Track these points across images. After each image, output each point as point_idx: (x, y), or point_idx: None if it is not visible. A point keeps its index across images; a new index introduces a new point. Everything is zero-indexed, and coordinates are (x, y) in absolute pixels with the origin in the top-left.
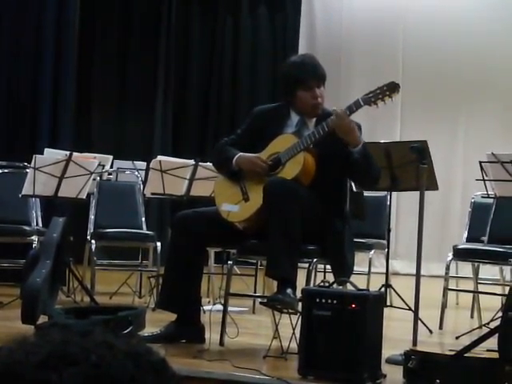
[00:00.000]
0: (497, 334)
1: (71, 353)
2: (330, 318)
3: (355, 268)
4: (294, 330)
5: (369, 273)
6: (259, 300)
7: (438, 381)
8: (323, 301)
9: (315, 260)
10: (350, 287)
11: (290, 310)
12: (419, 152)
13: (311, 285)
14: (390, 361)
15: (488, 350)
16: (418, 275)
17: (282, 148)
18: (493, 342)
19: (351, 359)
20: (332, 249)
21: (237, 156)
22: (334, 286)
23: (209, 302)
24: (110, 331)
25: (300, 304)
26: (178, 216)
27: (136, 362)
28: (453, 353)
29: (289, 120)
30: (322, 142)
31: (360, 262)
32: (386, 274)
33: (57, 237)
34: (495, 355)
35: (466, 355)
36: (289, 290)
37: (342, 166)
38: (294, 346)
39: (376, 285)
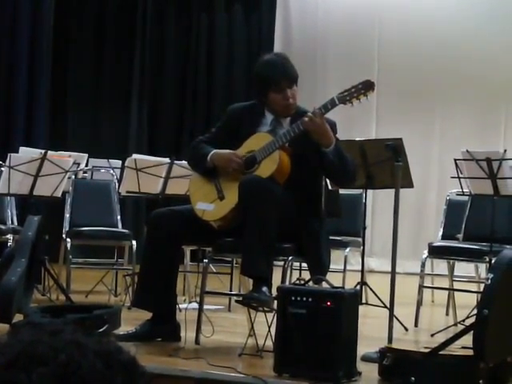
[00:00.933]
0: (472, 332)
1: (40, 352)
2: (306, 315)
3: (331, 266)
4: (269, 327)
5: (344, 270)
6: (235, 298)
7: (412, 378)
8: (298, 299)
9: (291, 258)
10: (325, 285)
11: (266, 308)
12: (394, 150)
13: (287, 283)
14: (365, 358)
15: (463, 348)
16: (393, 273)
17: (257, 146)
18: (468, 340)
19: (327, 357)
20: (308, 247)
21: (212, 153)
22: (310, 283)
23: (184, 300)
24: (81, 330)
25: (275, 302)
26: (153, 214)
27: (106, 361)
28: (428, 350)
29: (263, 118)
30: (296, 140)
31: (336, 259)
32: (362, 271)
33: (32, 235)
34: (470, 352)
35: (440, 353)
36: (264, 288)
37: (317, 165)
38: (269, 343)
39: (351, 283)
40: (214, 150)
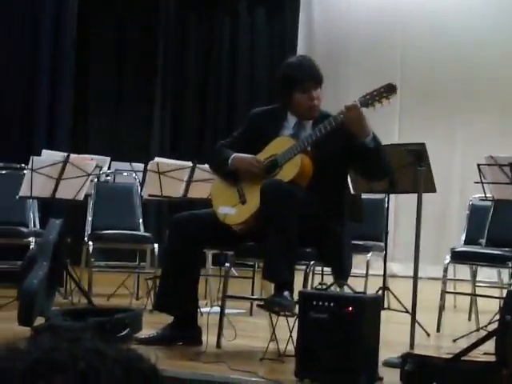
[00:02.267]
0: (494, 338)
1: (59, 360)
2: (327, 320)
3: (353, 270)
4: (291, 332)
5: (366, 275)
6: (256, 303)
7: None
8: (320, 303)
9: (312, 262)
10: (347, 290)
11: (287, 313)
12: (417, 155)
13: (308, 287)
14: (387, 364)
15: (485, 354)
16: (415, 278)
17: (279, 150)
18: (490, 346)
19: (348, 362)
20: (330, 251)
21: (232, 156)
22: (332, 288)
23: (206, 304)
24: (100, 337)
25: (297, 307)
26: (175, 218)
27: (125, 369)
28: (450, 356)
29: (286, 122)
30: (319, 143)
31: (358, 264)
32: (384, 276)
33: (54, 238)
34: (492, 358)
35: (462, 359)
36: (286, 293)
37: (351, 161)
38: (291, 348)
39: (374, 287)
40: (235, 154)
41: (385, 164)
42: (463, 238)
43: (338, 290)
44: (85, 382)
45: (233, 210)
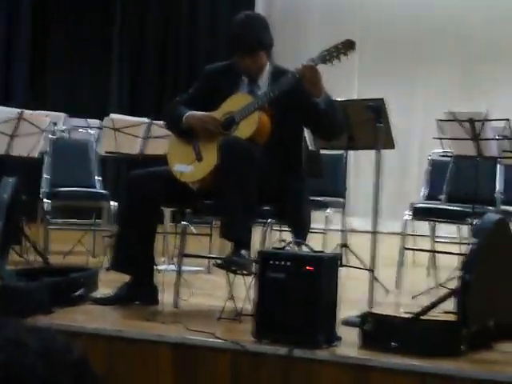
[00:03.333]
0: (453, 296)
1: None
2: (285, 280)
3: (312, 226)
4: (247, 291)
5: (326, 231)
6: (214, 261)
7: (393, 343)
8: (277, 263)
9: (270, 221)
10: (305, 249)
11: (245, 272)
12: (376, 111)
13: (266, 245)
14: (346, 322)
15: (445, 312)
16: (373, 237)
17: (236, 107)
18: (449, 304)
19: (306, 322)
20: (289, 209)
21: (187, 114)
22: (290, 247)
23: (164, 261)
24: (25, 326)
25: (255, 265)
26: (130, 176)
27: (49, 363)
28: (409, 315)
29: (241, 79)
30: (277, 100)
31: (317, 219)
32: (343, 233)
33: (7, 198)
34: (452, 317)
35: (422, 318)
36: (243, 252)
37: (306, 119)
38: (248, 307)
39: (333, 243)
40: (189, 112)
41: (336, 126)
42: (422, 193)
43: (296, 248)
44: (3, 376)
45: (189, 168)
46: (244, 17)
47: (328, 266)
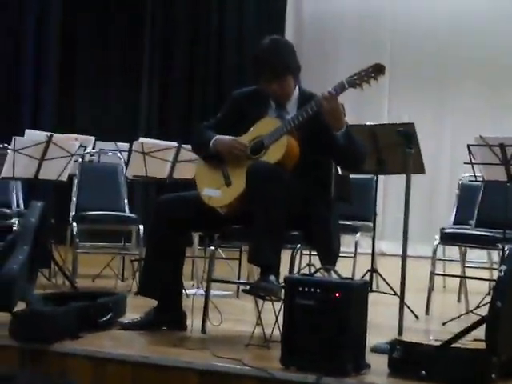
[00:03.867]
0: (484, 324)
1: None
2: (313, 307)
3: (341, 250)
4: (276, 317)
5: (355, 255)
6: (242, 287)
7: (423, 372)
8: (306, 290)
9: (299, 246)
10: (334, 275)
11: (273, 298)
12: (406, 136)
13: (295, 271)
14: (375, 350)
15: (475, 340)
16: (403, 263)
17: (265, 131)
18: (480, 331)
19: (335, 350)
20: (317, 234)
21: (214, 139)
22: (318, 273)
23: (193, 285)
24: (38, 376)
25: (283, 291)
26: (159, 201)
27: None
28: (439, 343)
29: (268, 103)
30: (305, 124)
31: (346, 243)
32: (372, 258)
33: (35, 222)
34: (482, 345)
35: (452, 345)
36: (272, 277)
37: (326, 149)
38: (277, 333)
39: (362, 267)
40: (217, 136)
41: (353, 160)
42: (453, 217)
43: (325, 275)
44: None
45: (217, 192)
46: (270, 41)
47: (357, 294)
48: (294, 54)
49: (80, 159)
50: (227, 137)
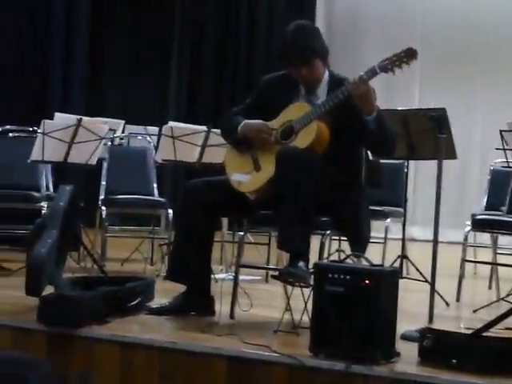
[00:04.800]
0: None
1: None
2: (343, 294)
3: (371, 235)
4: (305, 303)
5: (385, 241)
6: (271, 273)
7: (454, 361)
8: (335, 276)
9: (328, 232)
10: (364, 262)
11: (302, 284)
12: (438, 121)
13: (324, 258)
14: (405, 337)
15: (507, 328)
16: (434, 248)
17: (295, 116)
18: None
19: (364, 337)
20: (348, 220)
21: (242, 124)
22: (348, 260)
23: (221, 270)
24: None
25: (312, 277)
26: (187, 185)
27: None
28: (470, 331)
29: (298, 88)
30: (336, 109)
31: (376, 229)
32: (403, 244)
33: (64, 205)
34: None
35: (483, 334)
36: (301, 263)
37: (357, 134)
38: (306, 320)
39: (392, 252)
40: (245, 121)
41: (386, 144)
42: (484, 203)
43: (355, 261)
44: None
45: (247, 177)
46: (295, 27)
47: (387, 281)
48: (320, 37)
49: (109, 143)
50: (255, 121)
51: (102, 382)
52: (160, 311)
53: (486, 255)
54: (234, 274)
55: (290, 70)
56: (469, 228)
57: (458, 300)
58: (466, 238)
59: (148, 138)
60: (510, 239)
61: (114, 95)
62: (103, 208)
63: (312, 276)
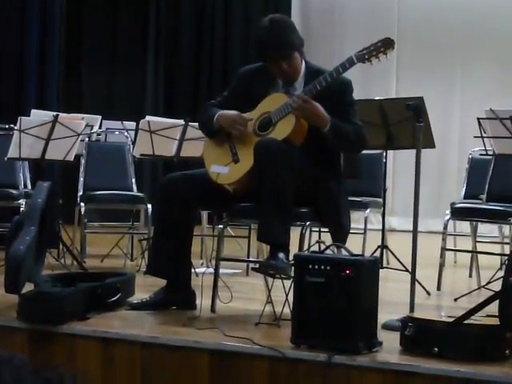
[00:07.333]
0: (496, 300)
1: None
2: (324, 284)
3: (351, 226)
4: (287, 295)
5: (365, 231)
6: (251, 265)
7: (436, 349)
8: (316, 267)
9: (308, 223)
10: (344, 252)
11: (283, 276)
12: (415, 110)
13: (305, 248)
14: (386, 327)
15: (488, 316)
16: (414, 238)
17: (273, 107)
18: (492, 307)
19: (346, 328)
20: (327, 211)
21: (218, 114)
22: (328, 250)
23: (202, 264)
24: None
25: (293, 269)
26: (166, 179)
27: None
28: (451, 319)
29: (275, 79)
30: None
31: (356, 220)
32: (383, 234)
33: (41, 202)
34: (495, 321)
35: (464, 322)
36: (281, 255)
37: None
38: (287, 311)
39: (373, 243)
40: (220, 111)
41: (350, 148)
42: (463, 192)
43: (335, 252)
44: None
45: (225, 169)
46: (269, 22)
47: (368, 270)
48: (295, 29)
49: (87, 139)
50: (230, 112)
51: (83, 378)
52: (141, 306)
53: (465, 244)
54: (214, 268)
55: (269, 66)
56: (448, 217)
57: (438, 289)
58: (445, 227)
59: (125, 133)
60: (489, 228)
61: (90, 91)
62: (82, 204)
63: (292, 267)
